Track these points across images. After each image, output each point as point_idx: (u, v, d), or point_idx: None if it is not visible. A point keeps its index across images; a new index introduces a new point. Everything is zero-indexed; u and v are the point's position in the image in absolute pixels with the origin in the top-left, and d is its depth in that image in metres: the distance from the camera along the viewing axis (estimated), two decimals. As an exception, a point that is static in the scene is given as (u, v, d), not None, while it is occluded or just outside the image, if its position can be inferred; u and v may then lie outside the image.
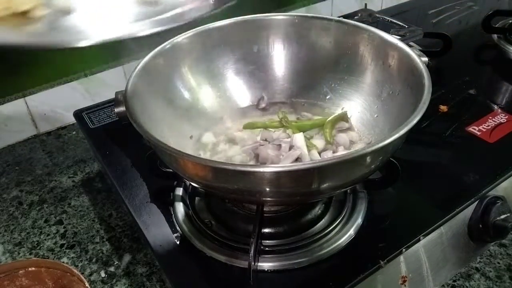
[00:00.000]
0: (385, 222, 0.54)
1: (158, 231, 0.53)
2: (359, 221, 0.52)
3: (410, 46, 0.53)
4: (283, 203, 0.52)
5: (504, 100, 0.75)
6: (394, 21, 0.85)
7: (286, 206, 0.53)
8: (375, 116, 0.57)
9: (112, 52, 0.82)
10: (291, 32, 0.62)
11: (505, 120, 0.68)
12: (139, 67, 0.52)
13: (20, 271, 0.48)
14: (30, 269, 0.48)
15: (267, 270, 0.48)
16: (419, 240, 0.50)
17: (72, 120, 0.80)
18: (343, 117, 0.58)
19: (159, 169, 0.56)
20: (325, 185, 0.41)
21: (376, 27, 0.57)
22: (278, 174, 0.39)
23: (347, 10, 0.99)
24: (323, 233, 0.50)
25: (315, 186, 0.41)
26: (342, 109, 0.61)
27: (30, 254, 0.59)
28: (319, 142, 0.55)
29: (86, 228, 0.63)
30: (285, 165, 0.45)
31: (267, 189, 0.41)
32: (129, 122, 0.44)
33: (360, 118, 0.59)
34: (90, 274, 0.56)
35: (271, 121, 0.61)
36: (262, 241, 0.49)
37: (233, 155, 0.55)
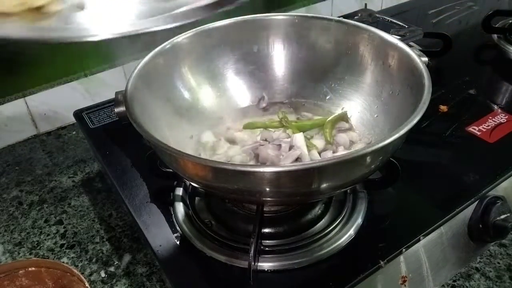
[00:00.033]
0: (385, 222, 0.54)
1: (158, 231, 0.53)
2: (359, 221, 0.52)
3: (410, 46, 0.53)
4: (283, 203, 0.52)
5: (504, 100, 0.75)
6: (394, 21, 0.85)
7: (286, 206, 0.53)
8: (375, 116, 0.57)
9: (112, 52, 0.82)
10: (291, 32, 0.62)
11: (505, 120, 0.68)
12: (139, 67, 0.52)
13: (20, 271, 0.48)
14: (30, 269, 0.48)
15: (267, 270, 0.48)
16: (419, 240, 0.50)
17: (72, 120, 0.80)
18: (343, 117, 0.58)
19: (159, 169, 0.56)
20: (325, 185, 0.41)
21: (376, 27, 0.57)
22: (278, 174, 0.39)
23: (347, 10, 0.99)
24: (323, 233, 0.50)
25: (315, 186, 0.41)
26: (342, 109, 0.61)
27: (30, 254, 0.59)
28: (319, 142, 0.55)
29: (86, 228, 0.63)
30: (285, 165, 0.45)
31: (267, 189, 0.41)
32: (129, 122, 0.44)
33: (360, 118, 0.59)
34: (90, 274, 0.56)
35: (271, 121, 0.61)
36: (262, 241, 0.49)
37: (233, 155, 0.55)
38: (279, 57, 0.64)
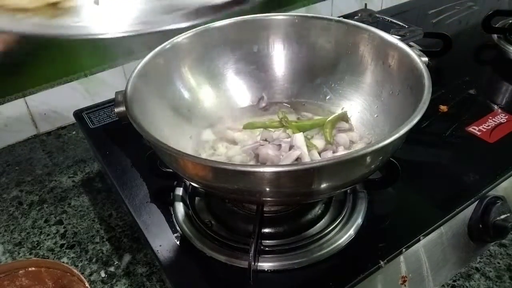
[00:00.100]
0: (385, 222, 0.54)
1: (158, 231, 0.53)
2: (359, 221, 0.52)
3: (410, 46, 0.53)
4: (283, 203, 0.52)
5: (504, 100, 0.75)
6: (394, 21, 0.85)
7: (286, 206, 0.53)
8: (375, 116, 0.57)
9: (112, 52, 0.82)
10: (291, 32, 0.62)
11: (505, 120, 0.68)
12: (139, 67, 0.52)
13: (20, 271, 0.48)
14: (30, 269, 0.48)
15: (267, 270, 0.48)
16: (419, 240, 0.50)
17: (72, 120, 0.80)
18: (343, 117, 0.58)
19: (159, 169, 0.56)
20: (325, 185, 0.41)
21: (376, 27, 0.57)
22: (278, 174, 0.39)
23: (347, 10, 0.99)
24: (323, 233, 0.50)
25: (315, 186, 0.41)
26: (342, 109, 0.61)
27: (30, 254, 0.59)
28: (319, 142, 0.55)
29: (86, 228, 0.63)
30: (285, 165, 0.45)
31: (267, 189, 0.41)
32: (129, 122, 0.44)
33: (360, 118, 0.59)
34: (90, 274, 0.56)
35: (271, 121, 0.61)
36: (262, 241, 0.49)
37: (233, 155, 0.55)
38: (279, 57, 0.64)
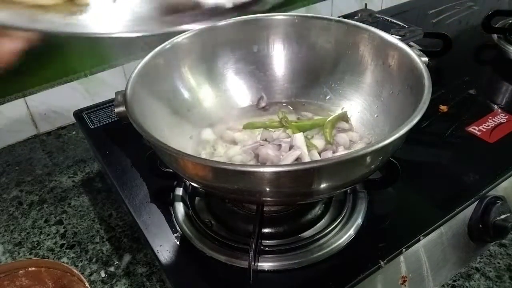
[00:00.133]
0: (385, 222, 0.54)
1: (158, 231, 0.53)
2: (359, 221, 0.52)
3: (410, 46, 0.53)
4: (283, 203, 0.52)
5: (504, 100, 0.75)
6: (394, 21, 0.85)
7: (286, 206, 0.53)
8: (375, 116, 0.57)
9: (112, 52, 0.82)
10: (291, 32, 0.62)
11: (505, 120, 0.68)
12: (139, 67, 0.52)
13: (20, 271, 0.48)
14: (30, 269, 0.48)
15: (267, 270, 0.48)
16: (419, 240, 0.50)
17: (72, 120, 0.80)
18: (343, 117, 0.58)
19: (159, 169, 0.56)
20: (325, 185, 0.41)
21: (376, 27, 0.57)
22: (278, 174, 0.39)
23: (347, 10, 0.99)
24: (323, 233, 0.50)
25: (315, 186, 0.41)
26: (342, 109, 0.61)
27: (30, 254, 0.59)
28: (319, 142, 0.55)
29: (86, 228, 0.63)
30: (285, 165, 0.45)
31: (267, 189, 0.41)
32: (129, 122, 0.44)
33: (360, 118, 0.59)
34: (90, 274, 0.56)
35: (271, 121, 0.61)
36: (262, 241, 0.49)
37: (233, 155, 0.55)
38: (279, 57, 0.64)
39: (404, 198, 0.56)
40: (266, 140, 0.56)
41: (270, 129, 0.59)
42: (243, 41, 0.62)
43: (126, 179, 0.61)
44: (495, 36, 0.90)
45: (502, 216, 0.55)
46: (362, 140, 0.57)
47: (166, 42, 0.57)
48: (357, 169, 0.42)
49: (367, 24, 0.58)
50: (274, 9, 0.92)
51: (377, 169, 0.48)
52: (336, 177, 0.42)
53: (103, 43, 0.79)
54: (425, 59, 0.51)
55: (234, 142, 0.58)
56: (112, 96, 0.56)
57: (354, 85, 0.60)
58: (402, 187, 0.56)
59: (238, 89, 0.64)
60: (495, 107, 0.72)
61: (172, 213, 0.55)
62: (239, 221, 0.53)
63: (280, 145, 0.52)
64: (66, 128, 0.84)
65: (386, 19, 0.87)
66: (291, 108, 0.64)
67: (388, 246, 0.49)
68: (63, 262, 0.52)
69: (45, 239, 0.61)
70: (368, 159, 0.41)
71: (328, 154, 0.53)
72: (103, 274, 0.56)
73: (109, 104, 0.76)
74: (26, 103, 0.79)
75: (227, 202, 0.55)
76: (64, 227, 0.63)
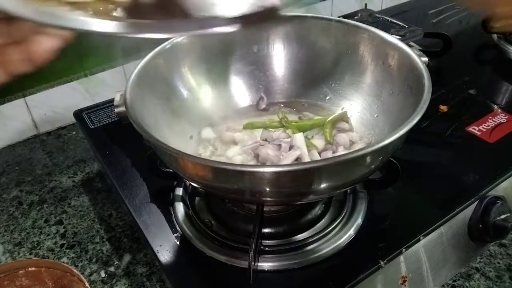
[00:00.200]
0: (385, 222, 0.54)
1: (158, 231, 0.53)
2: (359, 221, 0.52)
3: (410, 46, 0.53)
4: (283, 203, 0.52)
5: (504, 100, 0.75)
6: (394, 21, 0.85)
7: (286, 206, 0.53)
8: (375, 116, 0.57)
9: (112, 52, 0.82)
10: (291, 32, 0.62)
11: (505, 120, 0.68)
12: (139, 67, 0.52)
13: (20, 271, 0.48)
14: (30, 269, 0.48)
15: (267, 270, 0.48)
16: (419, 240, 0.50)
17: (72, 120, 0.80)
18: (343, 117, 0.58)
19: (159, 169, 0.56)
20: (325, 185, 0.41)
21: (376, 27, 0.57)
22: (278, 174, 0.39)
23: (347, 10, 0.99)
24: (323, 233, 0.50)
25: (315, 186, 0.41)
26: (342, 109, 0.61)
27: (30, 254, 0.59)
28: (319, 142, 0.55)
29: (86, 228, 0.63)
30: (285, 165, 0.45)
31: (267, 189, 0.41)
32: (129, 122, 0.44)
33: (360, 118, 0.59)
34: (90, 274, 0.56)
35: (271, 121, 0.61)
36: (262, 241, 0.49)
37: (233, 155, 0.55)
38: (279, 57, 0.64)
39: (404, 198, 0.56)
40: (266, 140, 0.56)
41: (270, 129, 0.59)
42: (243, 41, 0.62)
43: (126, 179, 0.61)
44: (495, 36, 0.90)
45: (502, 216, 0.55)
46: (362, 140, 0.57)
47: (166, 42, 0.57)
48: (357, 169, 0.42)
49: (367, 24, 0.58)
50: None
51: (377, 169, 0.48)
52: (336, 177, 0.42)
53: (104, 43, 0.79)
54: (425, 59, 0.51)
55: (234, 142, 0.58)
56: (112, 96, 0.56)
57: (354, 85, 0.60)
58: (402, 187, 0.56)
59: (238, 89, 0.64)
60: (495, 107, 0.72)
61: (172, 213, 0.55)
62: (239, 221, 0.53)
63: (280, 145, 0.52)
64: (66, 128, 0.84)
65: (386, 19, 0.87)
66: (291, 108, 0.64)
67: (388, 246, 0.49)
68: (63, 262, 0.52)
69: (45, 239, 0.61)
70: (368, 159, 0.41)
71: (328, 154, 0.53)
72: (103, 274, 0.56)
73: (109, 104, 0.76)
74: (26, 103, 0.79)
75: (227, 202, 0.55)
76: (64, 227, 0.63)
